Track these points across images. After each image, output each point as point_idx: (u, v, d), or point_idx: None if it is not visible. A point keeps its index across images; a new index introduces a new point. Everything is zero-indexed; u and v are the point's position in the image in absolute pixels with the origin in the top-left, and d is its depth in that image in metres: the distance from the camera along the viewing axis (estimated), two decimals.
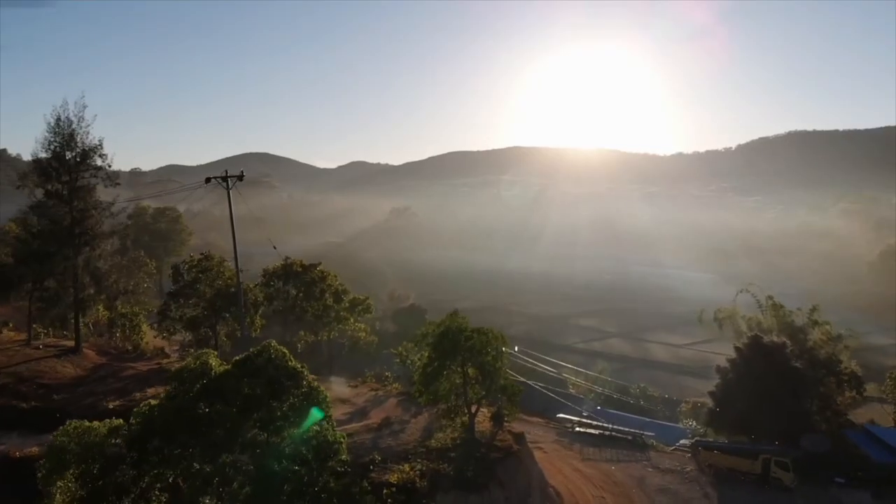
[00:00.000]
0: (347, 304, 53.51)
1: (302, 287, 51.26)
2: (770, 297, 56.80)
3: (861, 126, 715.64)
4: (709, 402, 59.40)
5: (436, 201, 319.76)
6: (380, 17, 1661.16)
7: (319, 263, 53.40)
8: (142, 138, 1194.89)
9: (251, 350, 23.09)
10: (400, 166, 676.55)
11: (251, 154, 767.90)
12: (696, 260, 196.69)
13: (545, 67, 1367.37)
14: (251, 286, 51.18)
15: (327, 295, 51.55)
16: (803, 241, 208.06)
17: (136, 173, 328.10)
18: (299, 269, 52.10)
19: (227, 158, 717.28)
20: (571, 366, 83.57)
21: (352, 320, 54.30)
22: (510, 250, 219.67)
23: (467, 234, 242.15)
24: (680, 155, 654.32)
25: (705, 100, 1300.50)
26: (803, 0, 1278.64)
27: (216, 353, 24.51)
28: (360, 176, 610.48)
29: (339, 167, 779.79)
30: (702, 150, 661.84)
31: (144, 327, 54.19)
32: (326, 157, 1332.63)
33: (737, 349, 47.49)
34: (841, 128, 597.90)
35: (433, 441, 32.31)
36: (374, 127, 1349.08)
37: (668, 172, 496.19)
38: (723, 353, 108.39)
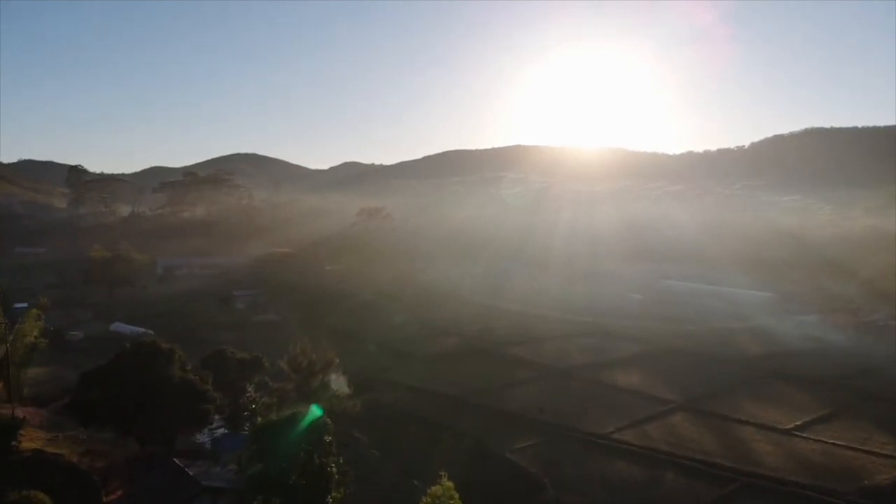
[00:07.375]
0: None
1: None
2: None
3: (881, 123, 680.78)
4: None
5: (425, 201, 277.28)
6: (377, 15, 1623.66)
7: None
8: (128, 140, 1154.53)
9: None
10: (392, 166, 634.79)
11: (237, 155, 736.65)
12: (749, 273, 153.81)
13: (548, 65, 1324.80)
14: None
15: None
16: (878, 251, 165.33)
17: (78, 171, 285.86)
18: None
19: (212, 159, 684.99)
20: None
21: None
22: (511, 261, 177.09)
23: (458, 239, 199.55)
24: (690, 153, 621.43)
25: (713, 98, 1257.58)
26: None
27: None
28: (350, 176, 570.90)
29: (331, 168, 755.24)
30: (713, 148, 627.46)
31: None
32: (320, 159, 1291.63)
33: None
34: (860, 125, 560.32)
35: None
36: (370, 127, 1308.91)
37: (679, 171, 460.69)
38: (857, 445, 62.91)
